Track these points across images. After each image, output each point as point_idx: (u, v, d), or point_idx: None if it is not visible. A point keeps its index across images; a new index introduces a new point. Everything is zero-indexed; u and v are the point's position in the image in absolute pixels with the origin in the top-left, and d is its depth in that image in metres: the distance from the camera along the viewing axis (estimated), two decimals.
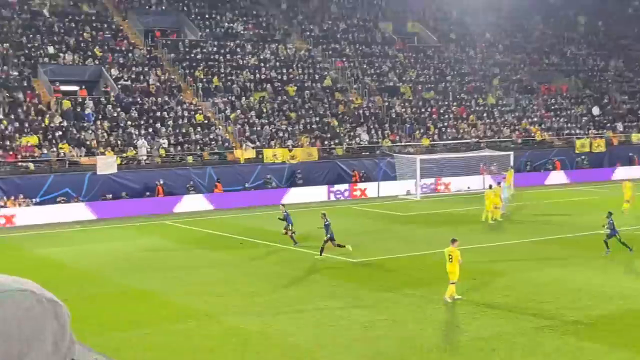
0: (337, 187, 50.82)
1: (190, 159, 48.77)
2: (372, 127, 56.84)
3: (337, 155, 53.53)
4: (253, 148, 50.70)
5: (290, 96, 57.69)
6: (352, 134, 55.76)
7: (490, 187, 39.60)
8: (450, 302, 21.63)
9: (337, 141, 54.44)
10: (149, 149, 47.80)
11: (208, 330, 19.56)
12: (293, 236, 31.96)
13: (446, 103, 62.62)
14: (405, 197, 50.47)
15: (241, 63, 59.16)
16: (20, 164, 43.93)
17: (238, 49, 60.21)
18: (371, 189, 51.42)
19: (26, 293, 1.47)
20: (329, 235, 29.11)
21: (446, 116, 60.99)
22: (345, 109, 58.37)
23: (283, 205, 35.31)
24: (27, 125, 46.30)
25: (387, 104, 60.30)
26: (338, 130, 55.56)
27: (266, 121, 54.05)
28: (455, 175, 53.08)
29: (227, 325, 19.94)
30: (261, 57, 60.28)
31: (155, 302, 22.77)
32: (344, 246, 29.30)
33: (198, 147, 49.60)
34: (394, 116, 59.31)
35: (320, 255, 28.98)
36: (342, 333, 19.05)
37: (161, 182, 45.85)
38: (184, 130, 50.49)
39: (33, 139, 45.36)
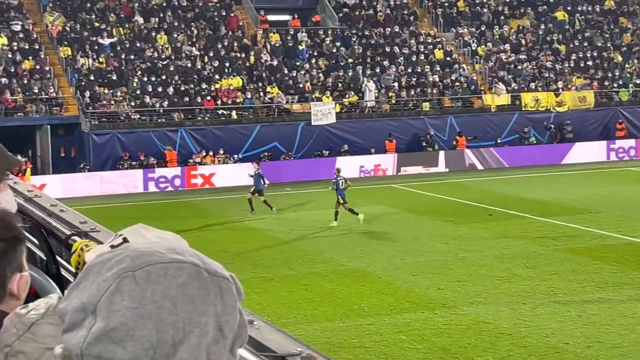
0: (619, 143, 49.17)
1: (426, 105, 48.82)
2: None
3: (620, 102, 51.63)
4: (508, 92, 49.89)
5: (559, 23, 56.15)
6: None
7: None
8: None
9: (620, 82, 52.48)
10: (376, 94, 48.30)
11: (444, 323, 19.58)
12: (251, 201, 33.92)
13: None
14: None
15: None
16: (220, 111, 45.87)
17: None
18: None
19: (184, 266, 1.49)
20: (339, 196, 31.22)
21: None
22: (633, 40, 56.15)
23: (257, 163, 36.82)
24: (227, 64, 48.23)
25: None
26: (622, 68, 53.53)
27: (525, 57, 53.00)
28: None
29: (468, 319, 19.92)
30: None
31: (377, 285, 23.06)
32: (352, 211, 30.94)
33: (436, 91, 49.53)
34: None
35: (335, 219, 30.99)
36: (621, 335, 18.48)
37: (391, 135, 46.27)
38: (418, 70, 50.57)
39: (236, 81, 47.20)
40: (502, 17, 56.13)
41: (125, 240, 1.79)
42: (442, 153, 46.49)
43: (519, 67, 52.07)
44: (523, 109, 49.45)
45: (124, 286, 1.46)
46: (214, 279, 1.51)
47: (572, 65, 53.10)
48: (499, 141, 48.26)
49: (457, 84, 50.18)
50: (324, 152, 45.56)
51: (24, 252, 2.54)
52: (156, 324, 1.44)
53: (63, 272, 4.05)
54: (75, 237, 4.13)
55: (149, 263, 1.48)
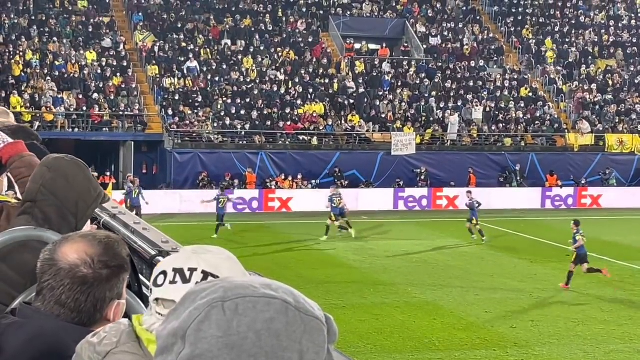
0: None
1: (508, 141, 48.45)
2: None
3: None
4: (592, 132, 49.28)
5: None
6: None
7: None
8: None
9: None
10: (458, 128, 48.10)
11: None
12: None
13: None
14: None
15: (583, 21, 57.79)
16: (301, 136, 46.10)
17: (580, 3, 58.92)
18: None
19: (273, 302, 1.54)
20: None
21: None
22: None
23: (222, 190, 37.70)
24: (311, 90, 48.49)
25: None
26: None
27: (612, 97, 52.33)
28: None
29: (540, 359, 19.63)
30: (611, 13, 58.44)
31: (449, 319, 22.91)
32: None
33: (520, 128, 49.12)
34: None
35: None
36: None
37: (472, 169, 45.99)
38: (502, 105, 50.25)
39: (318, 108, 47.40)
40: (590, 57, 55.57)
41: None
42: (522, 190, 46.08)
43: (604, 108, 51.42)
44: (607, 150, 48.79)
45: (213, 315, 1.52)
46: (304, 318, 1.55)
47: None
48: (582, 182, 47.59)
49: (541, 121, 49.75)
50: (400, 182, 45.50)
51: (126, 281, 2.62)
52: (239, 355, 1.48)
53: (144, 290, 4.13)
54: (159, 258, 4.20)
55: (240, 295, 1.54)
